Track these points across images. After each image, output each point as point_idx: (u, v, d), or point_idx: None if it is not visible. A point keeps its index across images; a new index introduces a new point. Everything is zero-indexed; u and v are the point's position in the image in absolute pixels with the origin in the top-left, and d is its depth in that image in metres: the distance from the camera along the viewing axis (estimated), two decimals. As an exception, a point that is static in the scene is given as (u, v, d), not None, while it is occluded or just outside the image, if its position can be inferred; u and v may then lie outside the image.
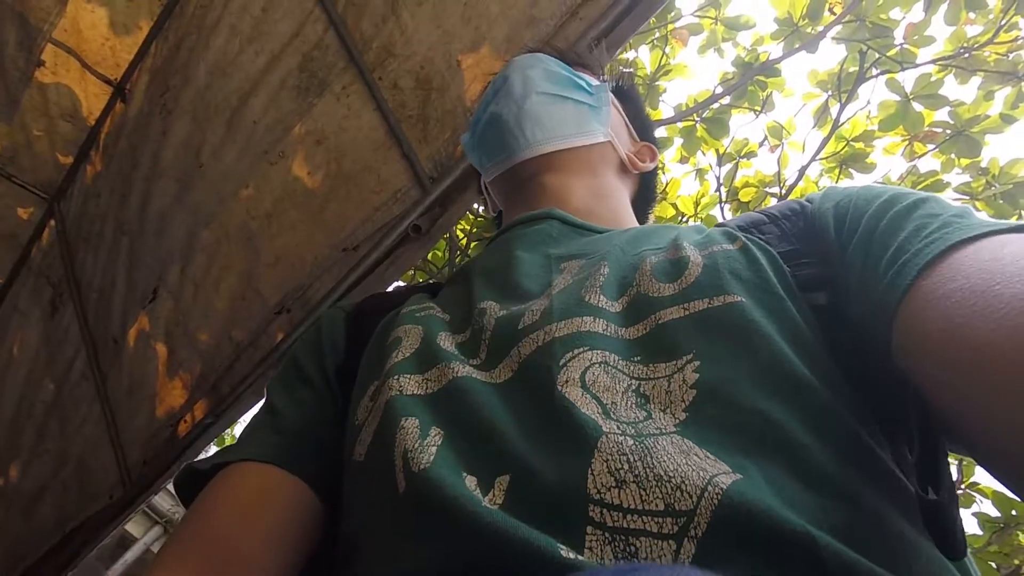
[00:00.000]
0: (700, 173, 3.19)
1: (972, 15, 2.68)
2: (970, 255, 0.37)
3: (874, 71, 2.75)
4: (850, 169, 2.95)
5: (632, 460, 0.34)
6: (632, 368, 0.42)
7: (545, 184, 0.70)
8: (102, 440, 1.74)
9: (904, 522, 0.35)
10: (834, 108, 2.87)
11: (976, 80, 2.76)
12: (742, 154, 3.04)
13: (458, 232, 2.79)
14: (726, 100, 2.92)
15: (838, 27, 2.73)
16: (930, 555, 0.35)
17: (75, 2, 1.54)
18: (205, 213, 1.52)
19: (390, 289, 1.13)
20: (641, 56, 3.05)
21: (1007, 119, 2.65)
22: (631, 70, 2.93)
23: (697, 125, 2.93)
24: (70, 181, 1.87)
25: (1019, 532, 2.58)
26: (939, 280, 0.37)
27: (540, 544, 0.32)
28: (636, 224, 0.73)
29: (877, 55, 2.69)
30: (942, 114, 2.71)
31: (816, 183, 3.05)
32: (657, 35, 2.95)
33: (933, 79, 2.66)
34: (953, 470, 2.65)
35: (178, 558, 0.45)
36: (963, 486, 2.68)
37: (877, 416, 0.40)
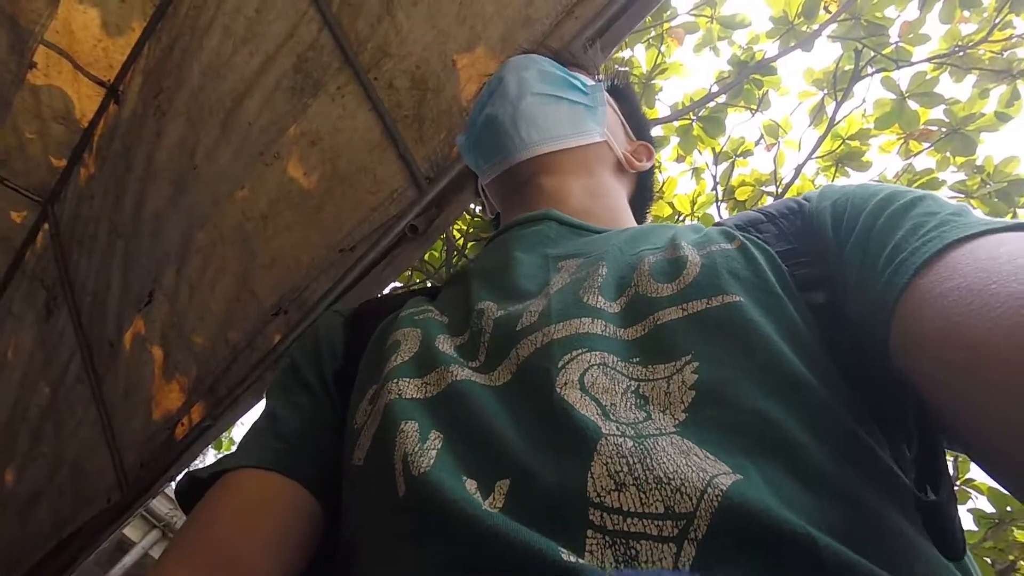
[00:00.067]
0: (696, 172, 3.20)
1: (967, 13, 2.69)
2: (967, 254, 0.37)
3: (869, 69, 2.76)
4: (846, 167, 2.96)
5: (632, 462, 0.34)
6: (631, 369, 0.42)
7: (542, 185, 0.70)
8: (98, 444, 1.73)
9: (904, 521, 0.35)
10: (830, 106, 2.88)
11: (971, 78, 2.78)
12: (738, 153, 3.05)
13: (455, 232, 2.79)
14: (722, 99, 2.93)
15: (833, 25, 2.74)
16: (930, 555, 0.35)
17: (67, 3, 1.53)
18: (200, 215, 1.51)
19: (387, 291, 1.13)
20: (637, 55, 3.05)
21: (1002, 117, 2.67)
22: (627, 69, 2.93)
23: (693, 124, 2.94)
24: (63, 184, 1.86)
25: (1014, 528, 2.60)
26: (936, 279, 0.37)
27: (541, 547, 0.31)
28: (634, 223, 0.73)
29: (872, 53, 2.70)
30: (937, 112, 2.73)
31: (812, 181, 3.06)
32: (653, 34, 2.96)
33: (928, 77, 2.67)
34: (948, 467, 2.66)
35: (178, 565, 0.45)
36: (958, 482, 2.70)
37: (875, 415, 0.40)
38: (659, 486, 0.33)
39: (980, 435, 0.35)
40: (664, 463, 0.34)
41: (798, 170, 2.94)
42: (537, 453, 0.37)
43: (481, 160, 0.75)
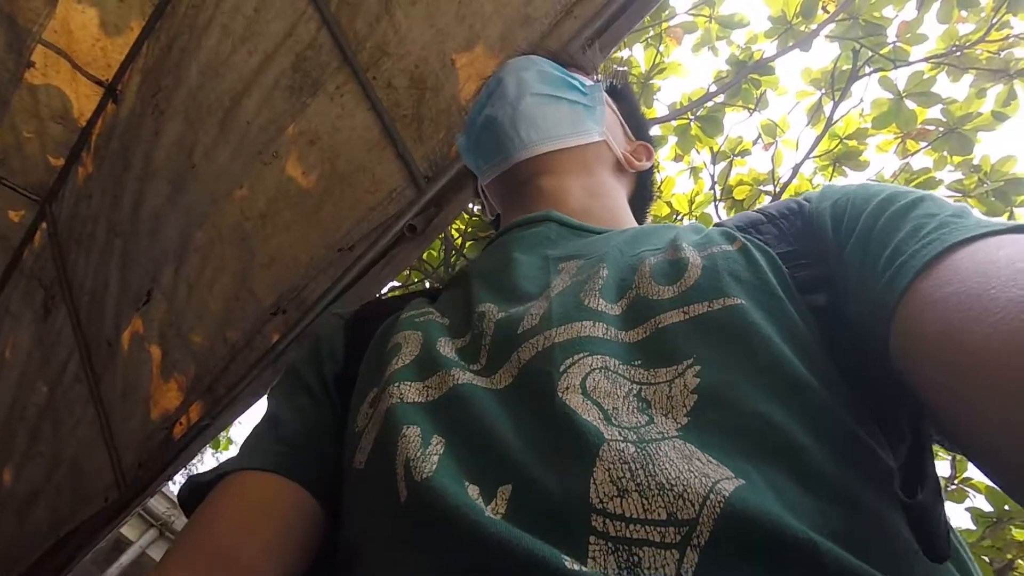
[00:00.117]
0: (694, 171, 3.21)
1: (964, 13, 2.70)
2: (966, 257, 0.37)
3: (867, 69, 2.76)
4: (843, 167, 2.96)
5: (634, 468, 0.34)
6: (633, 372, 0.42)
7: (541, 186, 0.70)
8: (96, 443, 1.73)
9: (905, 524, 0.35)
10: (827, 106, 2.89)
11: (968, 78, 2.78)
12: (736, 152, 3.06)
13: (453, 232, 2.79)
14: (720, 98, 2.94)
15: (831, 25, 2.74)
16: (937, 563, 0.35)
17: (65, 3, 1.53)
18: (198, 214, 1.51)
19: (385, 290, 1.13)
20: (635, 54, 3.06)
21: (999, 116, 2.67)
22: (625, 68, 2.93)
23: (691, 123, 2.94)
24: (61, 183, 1.85)
25: (1012, 527, 2.61)
26: (936, 283, 0.37)
27: (544, 555, 0.32)
28: (634, 223, 0.73)
29: (870, 53, 2.70)
30: (935, 112, 2.74)
31: (810, 181, 3.06)
32: (651, 33, 2.96)
33: (926, 77, 2.68)
34: (947, 466, 2.67)
35: (179, 567, 0.45)
36: (956, 481, 2.70)
37: (875, 415, 0.40)
38: (661, 492, 0.33)
39: (978, 436, 0.35)
40: (666, 468, 0.34)
41: (796, 169, 2.94)
42: (539, 458, 0.37)
43: (481, 161, 0.75)
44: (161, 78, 1.54)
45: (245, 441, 0.56)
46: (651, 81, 2.94)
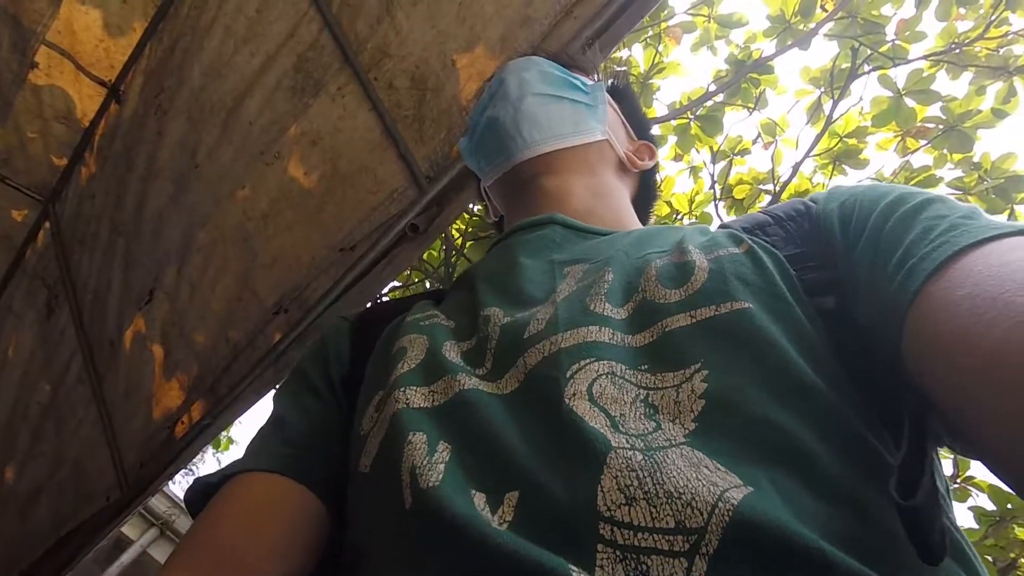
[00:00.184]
0: (694, 171, 3.21)
1: (963, 11, 2.70)
2: (979, 260, 0.37)
3: (866, 67, 2.76)
4: (843, 165, 2.96)
5: (642, 476, 0.34)
6: (639, 377, 0.42)
7: (545, 186, 0.70)
8: (99, 442, 1.74)
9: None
10: (827, 105, 2.89)
11: (967, 75, 2.78)
12: (736, 151, 3.06)
13: (453, 232, 2.80)
14: (719, 98, 2.94)
15: (830, 24, 2.74)
16: (932, 565, 0.35)
17: (69, 4, 1.53)
18: (201, 214, 1.52)
19: (386, 290, 1.13)
20: (635, 54, 3.06)
21: (998, 114, 2.67)
22: (625, 68, 2.93)
23: (691, 123, 2.94)
24: (65, 183, 1.86)
25: (1015, 526, 2.59)
26: (949, 286, 0.37)
27: (550, 565, 0.31)
28: (638, 223, 0.73)
29: (869, 51, 2.70)
30: (934, 109, 2.74)
31: (810, 179, 3.06)
32: (650, 33, 2.96)
33: (925, 75, 2.68)
34: (949, 464, 2.67)
35: (183, 568, 0.45)
36: (959, 480, 2.69)
37: (883, 418, 0.40)
38: (669, 500, 0.32)
39: (992, 437, 0.35)
40: (674, 477, 0.33)
41: (796, 168, 2.94)
42: (546, 464, 0.37)
43: (483, 162, 0.76)
44: (164, 79, 1.54)
45: (251, 442, 0.56)
46: (650, 81, 2.94)
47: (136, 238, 1.65)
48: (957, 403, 0.37)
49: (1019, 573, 2.67)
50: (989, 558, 2.66)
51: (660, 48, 2.94)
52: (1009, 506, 2.54)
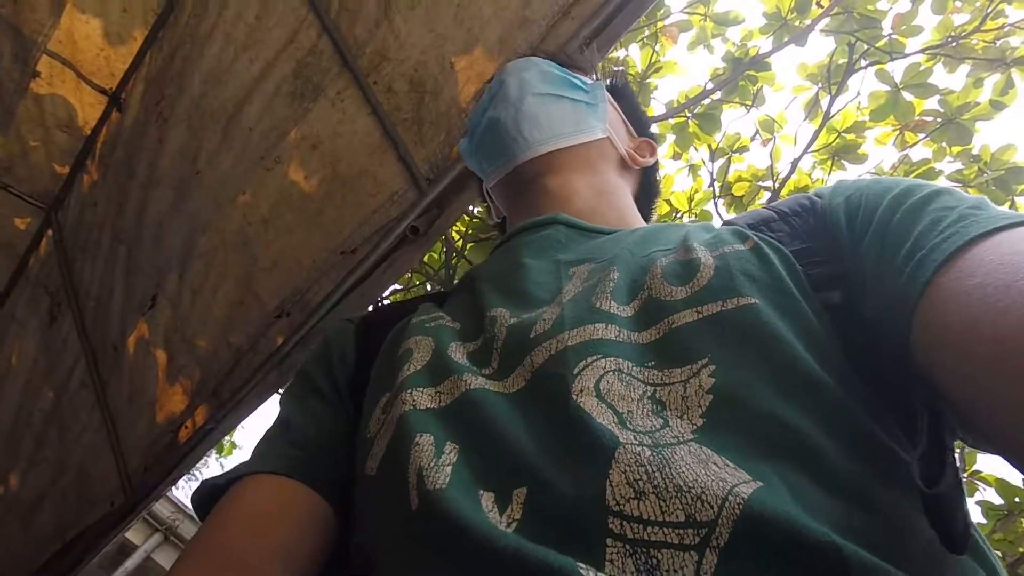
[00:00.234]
0: (693, 169, 3.21)
1: (959, 4, 2.71)
2: (989, 250, 0.37)
3: (863, 62, 2.77)
4: (842, 160, 2.97)
5: (650, 471, 0.34)
6: (646, 374, 0.42)
7: (547, 185, 0.70)
8: (103, 447, 1.74)
9: (926, 520, 0.35)
10: (824, 100, 2.89)
11: (964, 68, 2.78)
12: (734, 149, 3.06)
13: (454, 234, 2.80)
14: (717, 95, 2.94)
15: (826, 20, 2.75)
16: (956, 555, 0.35)
17: (70, 13, 1.54)
18: (202, 220, 1.53)
19: (387, 292, 1.14)
20: (632, 54, 3.07)
21: (996, 105, 2.67)
22: (622, 68, 2.94)
23: (689, 121, 2.95)
24: (67, 191, 1.87)
25: (1022, 519, 2.59)
26: (959, 276, 0.37)
27: (558, 564, 0.31)
28: (641, 221, 0.73)
29: (866, 46, 2.71)
30: (932, 103, 2.74)
31: (809, 175, 3.06)
32: (647, 33, 2.97)
33: (922, 68, 2.68)
34: (955, 461, 2.66)
35: (191, 571, 0.45)
36: (966, 474, 2.68)
37: (892, 412, 0.40)
38: (679, 494, 0.32)
39: (1005, 426, 0.35)
40: (683, 472, 0.33)
41: (794, 164, 2.94)
42: (553, 461, 0.37)
43: (485, 163, 0.75)
44: (164, 86, 1.55)
45: (257, 445, 0.56)
46: (648, 80, 2.95)
47: (138, 244, 1.65)
48: (968, 393, 0.36)
49: (1028, 567, 2.66)
50: (998, 553, 2.65)
51: (657, 47, 2.95)
52: (1017, 500, 2.53)
